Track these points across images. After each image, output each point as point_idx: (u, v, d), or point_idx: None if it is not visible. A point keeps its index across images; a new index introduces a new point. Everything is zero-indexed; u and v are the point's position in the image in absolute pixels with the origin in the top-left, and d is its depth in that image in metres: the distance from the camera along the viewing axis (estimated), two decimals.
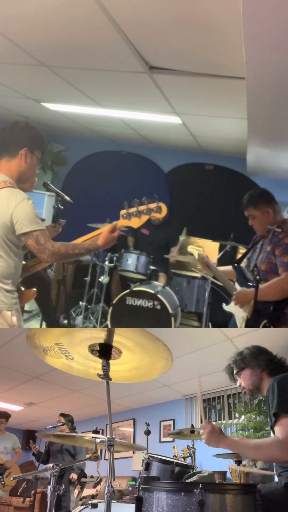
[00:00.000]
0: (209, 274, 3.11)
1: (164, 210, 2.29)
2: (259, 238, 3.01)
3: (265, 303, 2.64)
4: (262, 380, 1.93)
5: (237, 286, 2.90)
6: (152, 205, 2.30)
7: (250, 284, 2.75)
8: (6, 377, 4.99)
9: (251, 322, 2.73)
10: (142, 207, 2.30)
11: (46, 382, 5.06)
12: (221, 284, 3.06)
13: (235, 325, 2.93)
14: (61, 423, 4.06)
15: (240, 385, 2.02)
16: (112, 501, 1.63)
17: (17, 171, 2.17)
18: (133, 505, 1.74)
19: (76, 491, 4.03)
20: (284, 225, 2.79)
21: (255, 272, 2.57)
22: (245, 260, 3.08)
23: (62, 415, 4.27)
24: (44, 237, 2.06)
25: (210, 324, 4.62)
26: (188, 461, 4.22)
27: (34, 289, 2.37)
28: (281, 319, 2.67)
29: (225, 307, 2.98)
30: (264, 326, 2.68)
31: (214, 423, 5.02)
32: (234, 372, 2.03)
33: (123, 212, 2.31)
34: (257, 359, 1.96)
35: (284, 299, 2.64)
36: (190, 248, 3.21)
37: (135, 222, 2.31)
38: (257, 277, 2.52)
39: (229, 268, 3.10)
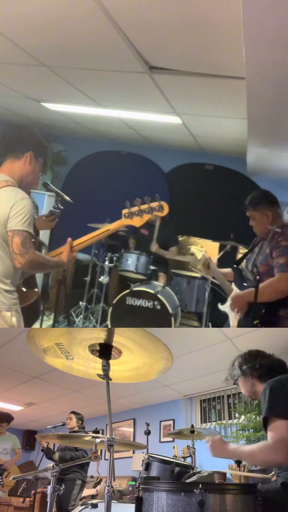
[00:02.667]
0: (208, 275, 3.13)
1: (166, 208, 2.29)
2: (259, 240, 3.02)
3: (257, 304, 2.65)
4: (255, 385, 1.96)
5: (233, 287, 2.92)
6: (154, 204, 2.30)
7: (246, 285, 2.79)
8: (6, 377, 4.99)
9: (242, 323, 2.75)
10: (144, 206, 2.30)
11: (46, 382, 5.06)
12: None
13: (229, 325, 2.96)
14: (61, 424, 4.04)
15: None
16: (112, 501, 1.63)
17: (19, 173, 2.19)
18: (133, 505, 1.74)
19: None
20: (285, 229, 2.80)
21: (256, 273, 2.57)
22: (244, 261, 3.09)
23: (74, 412, 4.29)
24: (30, 242, 2.06)
25: (210, 324, 4.62)
26: (188, 461, 4.23)
27: (36, 289, 2.37)
28: (273, 320, 2.68)
29: (221, 306, 3.01)
30: (256, 327, 2.70)
31: (214, 423, 5.03)
32: (233, 382, 2.08)
33: (125, 211, 2.32)
34: (244, 367, 1.99)
35: (277, 301, 2.65)
36: (193, 249, 3.23)
37: (137, 221, 2.31)
38: (257, 277, 2.53)
39: (229, 270, 3.12)
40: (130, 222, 2.33)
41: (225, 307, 2.96)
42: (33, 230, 2.10)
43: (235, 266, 2.97)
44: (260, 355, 2.01)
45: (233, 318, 2.86)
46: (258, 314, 2.65)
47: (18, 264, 2.04)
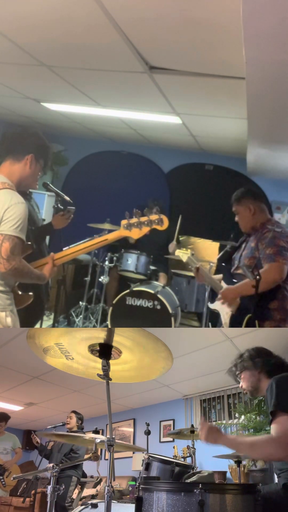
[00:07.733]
0: (200, 279, 3.14)
1: (166, 222, 2.29)
2: (245, 237, 3.07)
3: (249, 298, 2.68)
4: (260, 381, 1.97)
5: (223, 284, 2.95)
6: (154, 217, 2.29)
7: (235, 281, 2.87)
8: (6, 377, 4.99)
9: (235, 318, 2.79)
10: (143, 219, 2.29)
11: (46, 382, 5.06)
12: None
13: (221, 323, 2.99)
14: (61, 424, 4.05)
15: (241, 386, 2.06)
16: (112, 501, 1.63)
17: (19, 175, 2.17)
18: (133, 505, 1.74)
19: (76, 491, 4.02)
20: (269, 223, 2.86)
21: (255, 271, 2.58)
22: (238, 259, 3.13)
23: (74, 412, 4.29)
24: (19, 250, 2.05)
25: (210, 324, 4.62)
26: (188, 461, 4.23)
27: (31, 293, 2.36)
28: (265, 314, 2.70)
29: (211, 305, 3.03)
30: (248, 321, 2.73)
31: (214, 423, 5.04)
32: (236, 373, 2.07)
33: (124, 222, 2.31)
34: (254, 360, 2.00)
35: (267, 295, 2.66)
36: (178, 253, 3.26)
37: (135, 233, 2.31)
38: (257, 276, 2.53)
39: (221, 276, 3.15)
40: (128, 233, 2.33)
41: (214, 305, 3.00)
42: (25, 236, 2.07)
43: (223, 264, 3.01)
44: (268, 353, 2.03)
45: (225, 315, 2.90)
46: (250, 308, 2.68)
47: (3, 269, 2.02)
